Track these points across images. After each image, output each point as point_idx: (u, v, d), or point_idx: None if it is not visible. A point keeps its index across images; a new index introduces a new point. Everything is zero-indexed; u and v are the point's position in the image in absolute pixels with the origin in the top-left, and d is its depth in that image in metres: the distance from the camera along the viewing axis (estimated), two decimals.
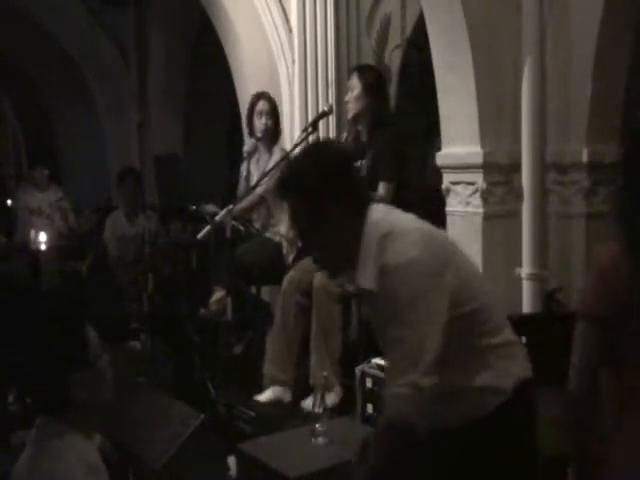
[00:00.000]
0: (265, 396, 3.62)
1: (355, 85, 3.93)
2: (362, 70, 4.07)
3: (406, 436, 1.85)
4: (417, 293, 1.87)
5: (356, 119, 3.96)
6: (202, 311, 4.17)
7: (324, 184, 2.00)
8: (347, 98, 3.97)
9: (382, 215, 2.03)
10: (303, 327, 3.73)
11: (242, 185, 4.50)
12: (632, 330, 1.71)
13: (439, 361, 1.86)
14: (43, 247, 5.65)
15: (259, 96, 4.48)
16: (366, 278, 1.96)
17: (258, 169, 4.46)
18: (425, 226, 2.03)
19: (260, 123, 4.40)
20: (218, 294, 4.10)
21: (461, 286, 1.95)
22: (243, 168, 4.49)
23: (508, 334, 2.07)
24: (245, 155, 4.46)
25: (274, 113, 4.42)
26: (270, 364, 3.71)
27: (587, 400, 1.81)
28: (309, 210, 2.02)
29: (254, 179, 4.45)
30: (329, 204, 1.99)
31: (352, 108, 3.93)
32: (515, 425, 1.98)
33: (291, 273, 3.92)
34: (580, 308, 1.81)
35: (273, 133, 4.43)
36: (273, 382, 3.65)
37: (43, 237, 5.66)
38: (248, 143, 4.47)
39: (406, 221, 2.03)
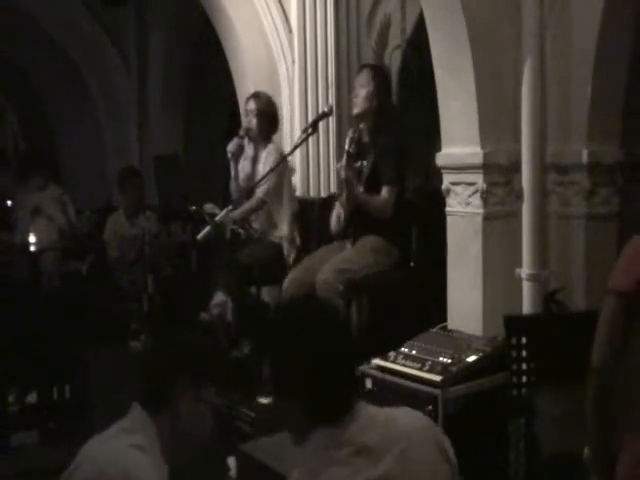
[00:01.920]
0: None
1: (367, 83, 3.92)
2: (375, 69, 4.08)
3: None
4: None
5: (360, 117, 3.97)
6: (203, 315, 4.16)
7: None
8: (356, 93, 3.95)
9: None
10: None
11: (233, 186, 4.52)
12: None
13: None
14: (42, 248, 5.63)
15: (250, 96, 4.54)
16: None
17: (253, 167, 4.48)
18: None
19: (244, 122, 4.45)
20: (219, 297, 4.10)
21: None
22: (231, 168, 4.52)
23: None
24: (229, 155, 4.47)
25: (262, 112, 4.43)
26: None
27: (610, 370, 1.85)
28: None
29: (244, 177, 4.48)
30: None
31: (361, 105, 3.92)
32: None
33: (292, 274, 3.93)
34: (609, 283, 1.89)
35: (259, 132, 4.43)
36: None
37: (42, 238, 5.65)
38: (231, 143, 4.48)
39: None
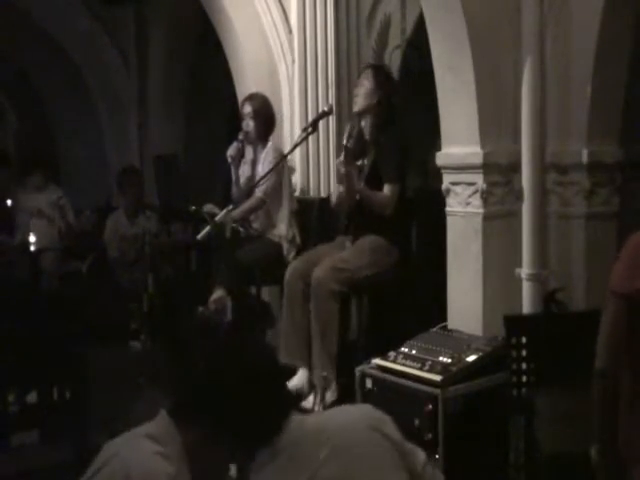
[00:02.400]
0: (294, 382, 3.68)
1: (366, 82, 3.97)
2: (376, 69, 4.13)
3: None
4: None
5: (362, 115, 3.99)
6: (201, 309, 4.17)
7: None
8: (356, 92, 4.01)
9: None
10: (309, 314, 3.77)
11: (235, 191, 4.54)
12: None
13: None
14: (42, 248, 5.63)
15: (245, 99, 4.57)
16: None
17: (252, 170, 4.50)
18: None
19: (243, 125, 4.47)
20: (218, 293, 4.12)
21: None
22: (232, 173, 4.54)
23: None
24: (229, 160, 4.49)
25: (259, 114, 4.45)
26: (285, 352, 3.77)
27: (614, 372, 1.84)
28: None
29: (245, 181, 4.50)
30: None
31: (360, 102, 3.97)
32: None
33: (294, 263, 3.96)
34: (609, 285, 1.88)
35: (257, 134, 4.46)
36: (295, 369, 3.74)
37: (42, 238, 5.64)
38: (231, 148, 4.50)
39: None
